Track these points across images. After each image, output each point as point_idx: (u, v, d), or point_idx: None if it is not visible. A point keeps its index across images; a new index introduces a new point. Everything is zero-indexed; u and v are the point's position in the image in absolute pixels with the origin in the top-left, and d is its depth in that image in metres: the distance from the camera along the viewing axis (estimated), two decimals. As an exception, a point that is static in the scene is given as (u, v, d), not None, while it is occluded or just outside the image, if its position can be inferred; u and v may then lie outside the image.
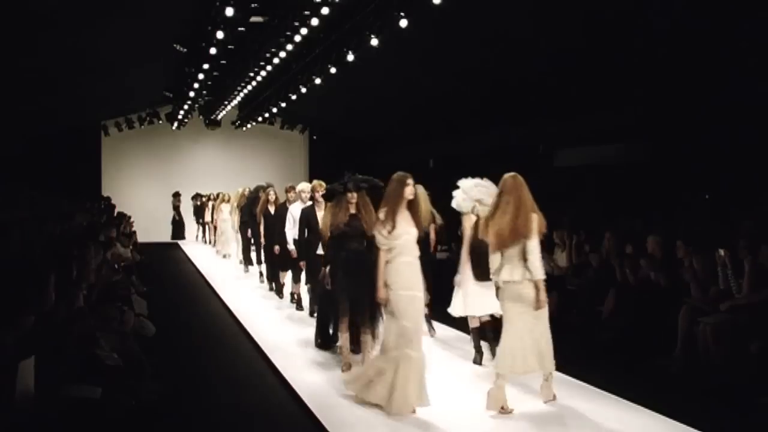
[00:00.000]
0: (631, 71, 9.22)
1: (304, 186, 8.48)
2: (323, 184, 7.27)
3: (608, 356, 6.81)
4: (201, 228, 19.94)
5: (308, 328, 8.14)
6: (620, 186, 10.86)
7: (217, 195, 17.35)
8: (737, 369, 5.55)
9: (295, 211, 8.39)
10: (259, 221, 10.45)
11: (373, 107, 15.79)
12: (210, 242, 18.69)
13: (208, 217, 18.63)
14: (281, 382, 6.11)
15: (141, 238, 16.35)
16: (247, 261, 12.88)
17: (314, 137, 21.22)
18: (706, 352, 5.84)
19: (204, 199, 19.17)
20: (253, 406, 5.58)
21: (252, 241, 11.75)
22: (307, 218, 7.55)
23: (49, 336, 4.34)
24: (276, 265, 9.97)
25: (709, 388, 5.58)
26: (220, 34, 9.75)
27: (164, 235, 19.80)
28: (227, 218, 15.27)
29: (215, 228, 17.36)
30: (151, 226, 18.81)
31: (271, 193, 10.28)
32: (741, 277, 6.03)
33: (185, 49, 12.28)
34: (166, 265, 15.16)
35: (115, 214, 16.26)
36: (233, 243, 14.88)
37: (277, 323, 8.56)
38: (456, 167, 8.54)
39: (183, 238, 20.19)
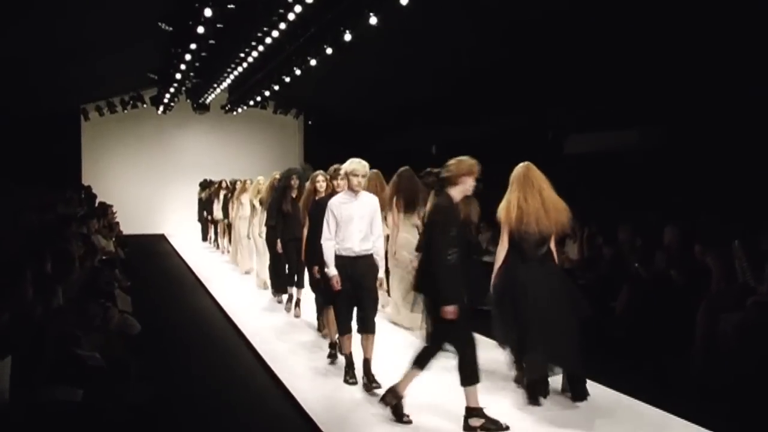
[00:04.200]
0: (646, 51, 9.16)
1: (349, 166, 5.76)
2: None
3: (621, 354, 6.80)
4: (211, 227, 16.84)
5: (303, 325, 8.13)
6: (635, 174, 10.82)
7: (233, 184, 14.08)
8: (761, 369, 5.53)
9: (336, 207, 5.78)
10: (303, 223, 7.14)
11: (372, 90, 15.74)
12: (221, 248, 15.45)
13: (218, 214, 15.26)
14: (275, 383, 6.11)
15: (125, 229, 16.32)
16: (279, 284, 9.42)
17: (309, 122, 21.17)
18: (727, 350, 5.83)
19: (215, 188, 16.02)
20: (245, 408, 5.58)
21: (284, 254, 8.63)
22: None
23: (26, 335, 4.31)
24: (323, 294, 6.74)
25: (730, 390, 5.56)
26: (208, 12, 9.67)
27: (149, 227, 19.77)
28: (248, 215, 11.25)
29: (228, 229, 14.01)
30: (135, 217, 18.78)
31: (321, 180, 7.07)
32: (758, 269, 6.01)
33: (171, 28, 12.18)
34: (152, 259, 15.15)
35: (97, 204, 16.20)
36: (253, 254, 11.22)
37: (270, 320, 8.55)
38: (460, 154, 8.49)
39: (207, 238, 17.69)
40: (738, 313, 5.91)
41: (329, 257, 5.73)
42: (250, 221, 10.75)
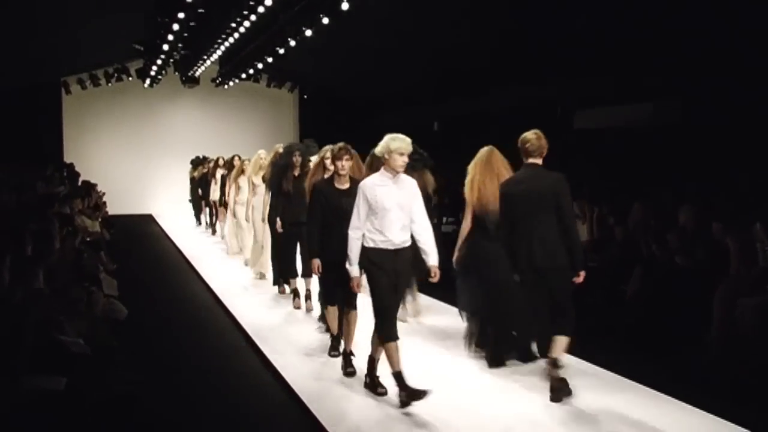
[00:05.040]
0: (661, 19, 9.05)
1: (393, 143, 5.17)
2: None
3: (633, 342, 6.78)
4: (206, 209, 16.08)
5: (302, 315, 8.10)
6: (649, 151, 10.76)
7: (230, 161, 12.88)
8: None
9: (371, 189, 5.17)
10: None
11: (371, 63, 15.61)
12: (219, 233, 14.44)
13: (215, 195, 14.24)
14: (270, 371, 6.09)
15: (110, 210, 16.28)
16: (280, 274, 8.82)
17: (305, 96, 21.09)
18: (745, 337, 5.81)
19: (210, 166, 14.95)
20: (237, 397, 5.56)
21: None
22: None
23: (5, 321, 4.29)
24: (329, 292, 6.16)
25: (749, 378, 5.55)
26: (196, -22, 9.56)
27: (135, 207, 19.73)
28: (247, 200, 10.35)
29: (225, 212, 12.92)
30: (121, 197, 18.72)
31: (329, 154, 6.41)
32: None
33: (157, -5, 12.07)
34: (140, 241, 15.13)
35: (80, 182, 16.14)
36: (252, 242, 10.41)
37: (265, 306, 8.51)
38: (463, 131, 8.47)
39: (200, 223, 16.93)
40: (757, 297, 5.89)
41: (354, 251, 5.14)
42: (248, 202, 9.96)
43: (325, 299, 6.30)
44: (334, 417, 4.93)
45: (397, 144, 5.12)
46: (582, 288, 5.19)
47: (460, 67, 13.58)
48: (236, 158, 12.37)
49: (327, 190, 5.78)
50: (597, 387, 5.46)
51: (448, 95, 15.22)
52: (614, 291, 7.67)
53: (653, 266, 7.37)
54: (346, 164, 5.71)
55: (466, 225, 5.85)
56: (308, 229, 5.99)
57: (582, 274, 5.10)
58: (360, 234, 5.16)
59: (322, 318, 6.91)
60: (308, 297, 7.95)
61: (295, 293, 8.21)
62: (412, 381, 5.02)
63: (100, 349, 5.14)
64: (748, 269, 6.29)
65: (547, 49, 11.18)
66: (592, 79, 11.39)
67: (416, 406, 4.96)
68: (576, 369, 5.77)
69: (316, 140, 7.82)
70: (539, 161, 5.20)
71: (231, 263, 11.73)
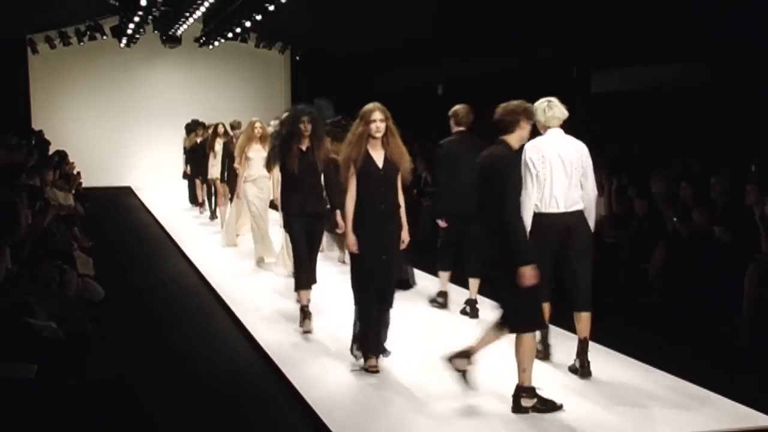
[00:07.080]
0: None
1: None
2: None
3: (656, 324, 6.81)
4: (202, 189, 14.32)
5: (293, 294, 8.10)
6: (675, 117, 10.72)
7: (236, 127, 11.57)
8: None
9: None
10: (346, 187, 5.54)
11: (370, 20, 15.52)
12: (221, 219, 12.15)
13: (213, 171, 12.28)
14: (261, 356, 6.10)
15: (84, 182, 16.25)
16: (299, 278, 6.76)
17: (297, 57, 20.99)
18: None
19: (209, 134, 12.82)
20: (223, 385, 5.58)
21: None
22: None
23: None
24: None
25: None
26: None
27: (112, 179, 19.73)
28: (260, 176, 9.28)
29: (230, 192, 10.86)
30: (95, 168, 18.68)
31: (378, 117, 5.39)
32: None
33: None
34: (117, 216, 15.15)
35: (50, 152, 16.07)
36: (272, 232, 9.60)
37: (256, 287, 8.52)
38: (469, 94, 8.43)
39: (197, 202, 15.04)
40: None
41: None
42: (275, 180, 8.26)
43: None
44: (325, 399, 4.94)
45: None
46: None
47: (466, 25, 13.48)
48: (243, 125, 10.34)
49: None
50: (616, 373, 5.47)
51: (453, 55, 15.14)
52: (635, 270, 7.70)
53: (678, 242, 7.36)
54: (381, 125, 5.48)
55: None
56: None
57: None
58: None
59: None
60: (308, 315, 6.60)
61: (304, 313, 6.61)
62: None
63: (73, 333, 5.14)
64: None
65: (561, 3, 11.08)
66: (612, 37, 11.29)
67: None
68: (593, 353, 5.77)
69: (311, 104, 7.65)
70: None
71: (218, 240, 11.70)
